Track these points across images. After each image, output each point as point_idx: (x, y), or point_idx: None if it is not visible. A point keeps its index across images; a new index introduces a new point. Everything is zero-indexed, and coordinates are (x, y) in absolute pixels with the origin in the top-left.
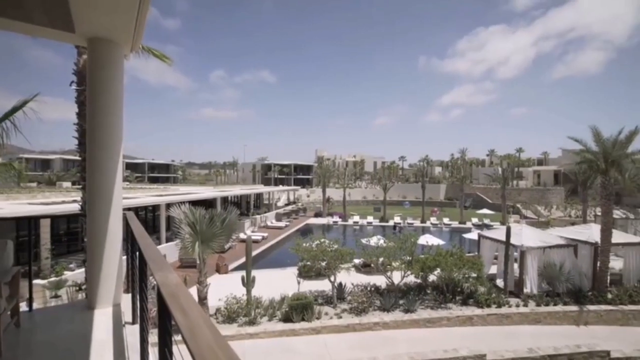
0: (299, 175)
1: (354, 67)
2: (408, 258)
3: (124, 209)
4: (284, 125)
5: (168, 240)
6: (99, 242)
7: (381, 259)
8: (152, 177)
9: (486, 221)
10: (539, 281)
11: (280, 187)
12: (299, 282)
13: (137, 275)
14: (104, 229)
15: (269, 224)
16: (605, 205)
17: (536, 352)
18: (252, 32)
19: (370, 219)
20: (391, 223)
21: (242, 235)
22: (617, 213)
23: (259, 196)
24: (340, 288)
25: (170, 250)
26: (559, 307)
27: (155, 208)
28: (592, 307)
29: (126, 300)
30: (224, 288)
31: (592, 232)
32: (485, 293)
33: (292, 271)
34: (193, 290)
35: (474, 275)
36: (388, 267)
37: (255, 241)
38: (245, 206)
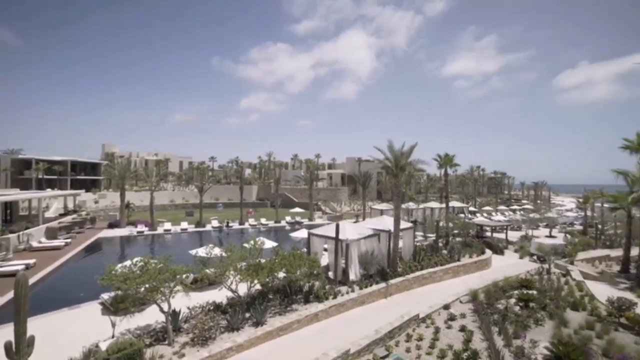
0: (81, 175)
1: (144, 54)
2: (247, 264)
3: None
4: (52, 109)
5: None
6: None
7: (213, 270)
8: None
9: (298, 218)
10: (358, 268)
11: (51, 192)
12: (113, 324)
13: None
14: None
15: (34, 244)
16: (396, 201)
17: (380, 332)
18: None
19: (184, 224)
20: (209, 228)
21: None
22: (386, 205)
23: (9, 206)
24: (175, 316)
25: None
26: (375, 287)
27: None
28: (392, 281)
29: None
30: None
31: (386, 222)
32: (321, 287)
33: (95, 307)
34: None
35: (312, 272)
36: (232, 277)
37: (13, 274)
38: None
